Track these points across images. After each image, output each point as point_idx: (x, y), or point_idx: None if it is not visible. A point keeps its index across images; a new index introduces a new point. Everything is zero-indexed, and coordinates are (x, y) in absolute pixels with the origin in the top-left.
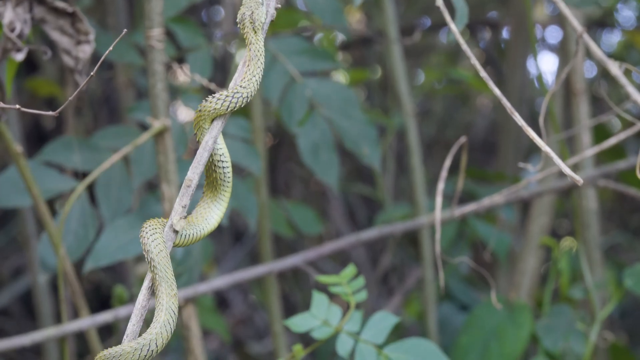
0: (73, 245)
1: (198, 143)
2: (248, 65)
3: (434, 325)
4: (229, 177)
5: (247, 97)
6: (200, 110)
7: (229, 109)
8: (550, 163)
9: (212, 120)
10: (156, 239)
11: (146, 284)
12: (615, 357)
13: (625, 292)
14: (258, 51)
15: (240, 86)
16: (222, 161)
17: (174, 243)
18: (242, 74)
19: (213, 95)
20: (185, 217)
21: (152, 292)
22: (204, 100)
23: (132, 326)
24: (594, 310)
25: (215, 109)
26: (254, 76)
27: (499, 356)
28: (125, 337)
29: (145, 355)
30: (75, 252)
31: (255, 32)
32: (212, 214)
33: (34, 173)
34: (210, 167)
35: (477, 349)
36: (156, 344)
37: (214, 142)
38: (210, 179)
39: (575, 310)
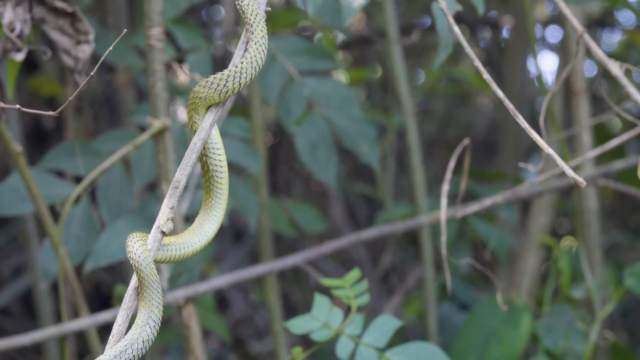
0: (75, 249)
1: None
2: (247, 45)
3: (434, 325)
4: (222, 183)
5: (244, 79)
6: (190, 97)
7: (221, 95)
8: (551, 163)
9: (207, 109)
10: (140, 246)
11: (132, 284)
12: (615, 356)
13: (625, 291)
14: (259, 30)
15: (235, 67)
16: (215, 162)
17: (165, 258)
18: (241, 55)
19: (206, 78)
20: (173, 218)
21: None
22: (196, 86)
23: (118, 327)
24: (594, 310)
25: (206, 95)
26: (254, 56)
27: (499, 356)
28: (110, 337)
29: None
30: (77, 255)
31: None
32: (204, 227)
33: (36, 179)
34: (203, 167)
35: (477, 349)
36: (136, 347)
37: (202, 144)
38: (205, 180)
39: (575, 310)
